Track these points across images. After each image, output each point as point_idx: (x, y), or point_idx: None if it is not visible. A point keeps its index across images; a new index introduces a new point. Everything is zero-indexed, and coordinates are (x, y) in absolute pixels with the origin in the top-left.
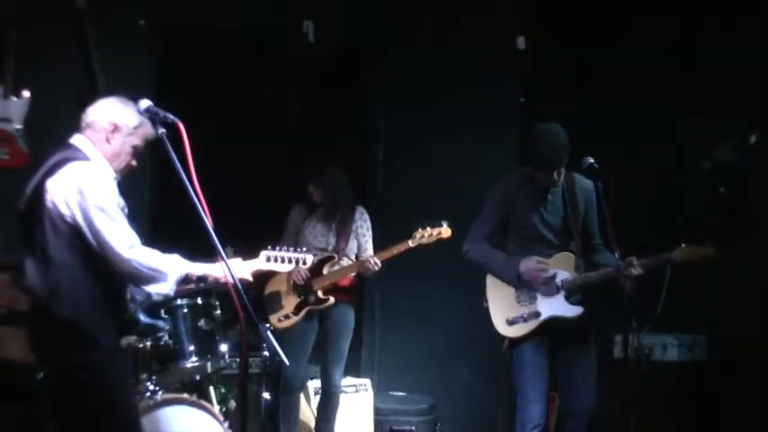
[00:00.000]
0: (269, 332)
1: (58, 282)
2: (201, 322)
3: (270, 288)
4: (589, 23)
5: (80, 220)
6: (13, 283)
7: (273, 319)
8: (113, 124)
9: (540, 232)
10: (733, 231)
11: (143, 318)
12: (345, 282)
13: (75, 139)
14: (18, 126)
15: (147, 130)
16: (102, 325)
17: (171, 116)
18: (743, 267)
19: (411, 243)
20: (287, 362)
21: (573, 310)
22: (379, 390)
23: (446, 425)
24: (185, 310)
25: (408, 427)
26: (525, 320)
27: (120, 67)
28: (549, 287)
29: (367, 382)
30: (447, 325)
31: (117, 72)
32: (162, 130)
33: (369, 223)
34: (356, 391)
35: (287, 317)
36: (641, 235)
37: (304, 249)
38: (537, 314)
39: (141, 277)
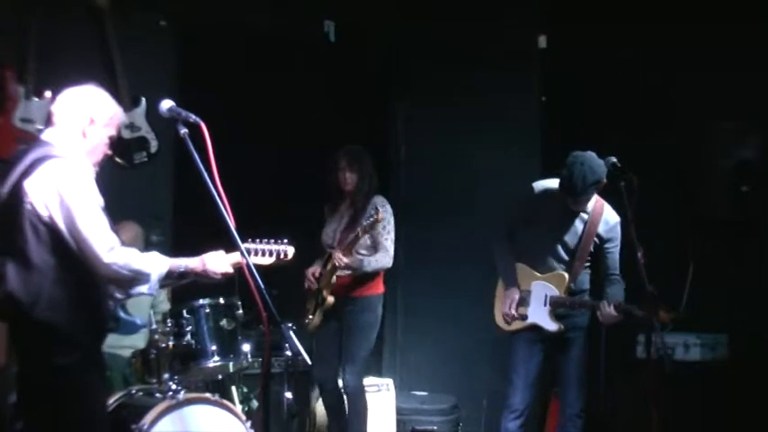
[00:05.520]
0: (291, 331)
1: (40, 286)
2: (224, 322)
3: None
4: (611, 23)
5: (59, 221)
6: None
7: (307, 320)
8: (90, 117)
9: (554, 247)
10: (755, 229)
11: (122, 315)
12: (350, 279)
13: (49, 135)
14: (40, 126)
15: (121, 117)
16: (82, 327)
17: (193, 116)
18: (764, 266)
19: (360, 232)
20: (309, 361)
21: (551, 325)
22: (402, 389)
23: (468, 425)
24: (207, 310)
25: (430, 427)
26: (514, 319)
27: (142, 67)
28: (537, 301)
29: (389, 381)
30: (470, 324)
31: (138, 72)
32: (184, 131)
33: (388, 217)
34: (378, 391)
35: (311, 319)
36: (663, 234)
37: (285, 241)
38: (524, 317)
39: (122, 280)
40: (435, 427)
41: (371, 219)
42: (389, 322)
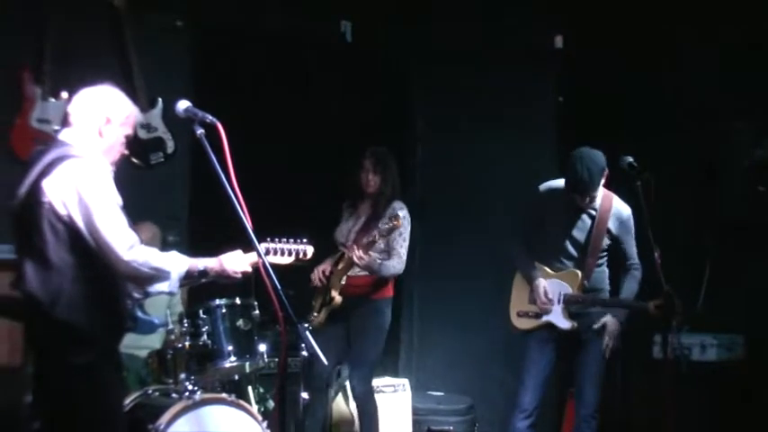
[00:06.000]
0: (307, 332)
1: (60, 285)
2: (240, 322)
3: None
4: (627, 22)
5: (78, 220)
6: (11, 287)
7: (311, 318)
8: (106, 117)
9: (563, 245)
10: None
11: (140, 314)
12: (361, 280)
13: (66, 135)
14: (56, 127)
15: (137, 116)
16: (101, 326)
17: (210, 117)
18: None
19: (377, 235)
20: (325, 361)
21: (564, 323)
22: (418, 389)
23: (484, 425)
24: (224, 311)
25: (446, 427)
26: (529, 317)
27: (158, 67)
28: (552, 299)
29: (405, 381)
30: (485, 325)
31: (155, 73)
32: (201, 131)
33: (405, 224)
34: (394, 391)
35: (315, 316)
36: (680, 234)
37: (304, 241)
38: (539, 316)
39: (142, 278)
40: (451, 428)
41: (391, 224)
42: (405, 324)
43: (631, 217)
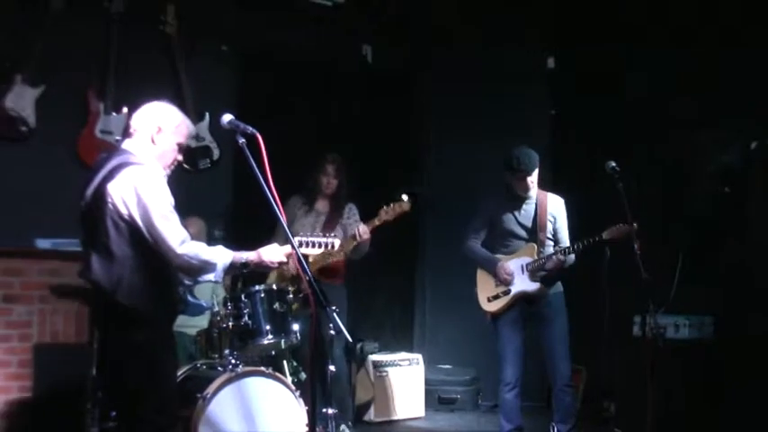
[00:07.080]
0: (335, 313)
1: (121, 275)
2: (276, 305)
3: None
4: (611, 44)
5: (137, 218)
6: (79, 276)
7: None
8: (157, 126)
9: (513, 230)
10: (734, 226)
11: (190, 299)
12: (332, 265)
13: (127, 144)
14: (117, 137)
15: (188, 127)
16: (156, 309)
17: (250, 128)
18: (744, 258)
19: (377, 221)
20: (350, 339)
21: (532, 286)
22: (429, 363)
23: (487, 394)
24: (262, 295)
25: (454, 396)
26: (500, 297)
27: (206, 85)
28: (516, 273)
29: (419, 356)
30: None
31: (203, 90)
32: (242, 141)
33: (356, 217)
34: (409, 365)
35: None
36: (656, 229)
37: (333, 234)
38: (508, 291)
39: (192, 269)
40: (458, 396)
41: (396, 210)
42: (419, 306)
43: (564, 205)
